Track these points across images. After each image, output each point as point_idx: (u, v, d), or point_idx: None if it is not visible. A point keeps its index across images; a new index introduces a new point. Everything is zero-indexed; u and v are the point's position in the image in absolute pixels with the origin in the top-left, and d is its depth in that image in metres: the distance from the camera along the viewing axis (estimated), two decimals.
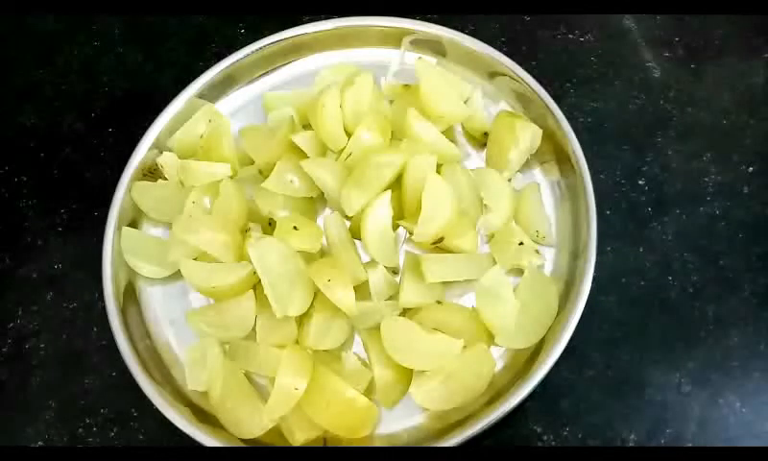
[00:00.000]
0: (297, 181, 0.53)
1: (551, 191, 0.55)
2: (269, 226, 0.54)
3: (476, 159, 0.57)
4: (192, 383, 0.50)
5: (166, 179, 0.56)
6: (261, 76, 0.62)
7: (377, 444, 0.48)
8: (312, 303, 0.50)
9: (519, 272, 0.51)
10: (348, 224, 0.53)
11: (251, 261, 0.48)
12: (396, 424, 0.49)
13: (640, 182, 0.57)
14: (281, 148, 0.55)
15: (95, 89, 0.66)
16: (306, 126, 0.57)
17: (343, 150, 0.54)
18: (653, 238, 0.55)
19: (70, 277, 0.57)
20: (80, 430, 0.52)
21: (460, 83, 0.57)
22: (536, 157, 0.55)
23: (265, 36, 0.60)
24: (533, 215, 0.53)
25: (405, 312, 0.51)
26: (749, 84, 0.61)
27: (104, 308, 0.51)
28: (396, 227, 0.52)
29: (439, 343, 0.47)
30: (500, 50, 0.57)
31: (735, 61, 0.62)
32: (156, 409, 0.47)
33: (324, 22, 0.61)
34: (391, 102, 0.56)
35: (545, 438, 0.49)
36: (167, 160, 0.56)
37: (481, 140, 0.57)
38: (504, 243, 0.52)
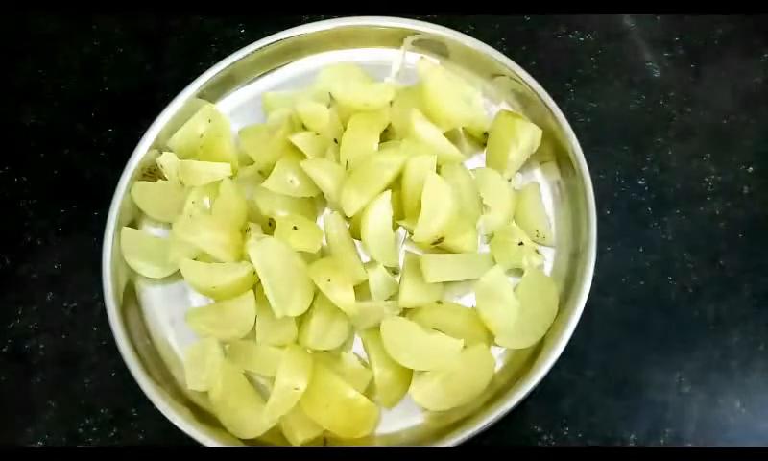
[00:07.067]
0: (297, 181, 0.53)
1: (551, 191, 0.55)
2: (269, 226, 0.54)
3: (476, 159, 0.57)
4: (192, 383, 0.50)
5: (166, 179, 0.56)
6: (261, 76, 0.61)
7: (377, 444, 0.48)
8: (312, 303, 0.50)
9: (519, 272, 0.51)
10: (348, 224, 0.53)
11: (251, 261, 0.48)
12: (396, 424, 0.49)
13: (640, 182, 0.57)
14: (281, 148, 0.55)
15: (95, 89, 0.66)
16: (305, 126, 0.57)
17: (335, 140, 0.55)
18: (653, 238, 0.54)
19: (70, 277, 0.57)
20: (80, 430, 0.52)
21: (463, 84, 0.57)
22: (536, 157, 0.55)
23: (265, 37, 0.60)
24: (533, 215, 0.53)
25: (405, 312, 0.51)
26: (749, 84, 0.61)
27: (104, 308, 0.51)
28: (396, 227, 0.52)
29: (439, 343, 0.47)
30: (500, 50, 0.57)
31: (735, 61, 0.62)
32: (156, 409, 0.47)
33: (323, 22, 0.60)
34: (391, 103, 0.56)
35: (545, 438, 0.49)
36: (167, 160, 0.56)
37: (481, 140, 0.57)
38: (504, 243, 0.52)
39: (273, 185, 0.53)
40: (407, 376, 0.48)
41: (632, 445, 0.48)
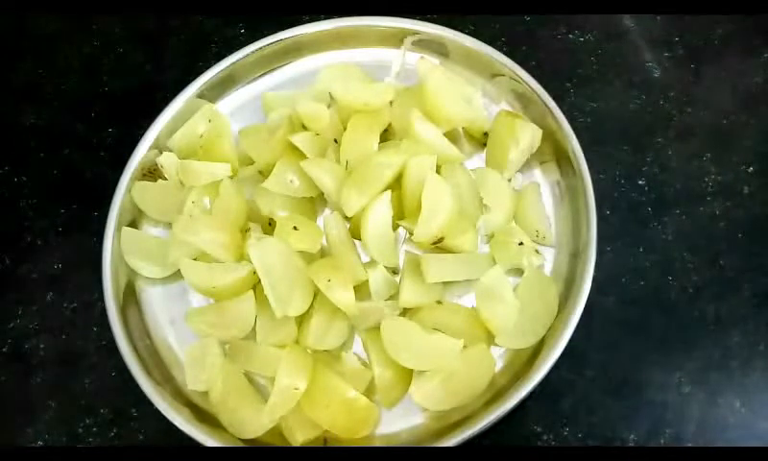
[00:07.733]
0: (296, 181, 0.53)
1: (551, 191, 0.55)
2: (269, 226, 0.54)
3: (476, 159, 0.57)
4: (192, 383, 0.50)
5: (166, 179, 0.56)
6: (261, 76, 0.61)
7: (377, 444, 0.48)
8: (312, 303, 0.50)
9: (519, 272, 0.51)
10: (348, 224, 0.53)
11: (251, 261, 0.48)
12: (396, 424, 0.49)
13: (640, 182, 0.57)
14: (281, 148, 0.55)
15: (95, 89, 0.66)
16: (305, 126, 0.57)
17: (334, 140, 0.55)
18: (653, 238, 0.54)
19: (70, 277, 0.57)
20: (80, 430, 0.52)
21: (463, 84, 0.57)
22: (536, 157, 0.55)
23: (265, 36, 0.60)
24: (533, 215, 0.53)
25: (405, 312, 0.51)
26: (749, 84, 0.61)
27: (104, 308, 0.51)
28: (396, 227, 0.52)
29: (439, 343, 0.47)
30: (500, 50, 0.57)
31: (735, 61, 0.62)
32: (156, 409, 0.47)
33: (323, 22, 0.60)
34: (391, 103, 0.56)
35: (545, 438, 0.49)
36: (167, 160, 0.56)
37: (481, 140, 0.57)
38: (504, 243, 0.52)
39: (273, 185, 0.53)
40: (407, 376, 0.48)
41: (632, 445, 0.48)
